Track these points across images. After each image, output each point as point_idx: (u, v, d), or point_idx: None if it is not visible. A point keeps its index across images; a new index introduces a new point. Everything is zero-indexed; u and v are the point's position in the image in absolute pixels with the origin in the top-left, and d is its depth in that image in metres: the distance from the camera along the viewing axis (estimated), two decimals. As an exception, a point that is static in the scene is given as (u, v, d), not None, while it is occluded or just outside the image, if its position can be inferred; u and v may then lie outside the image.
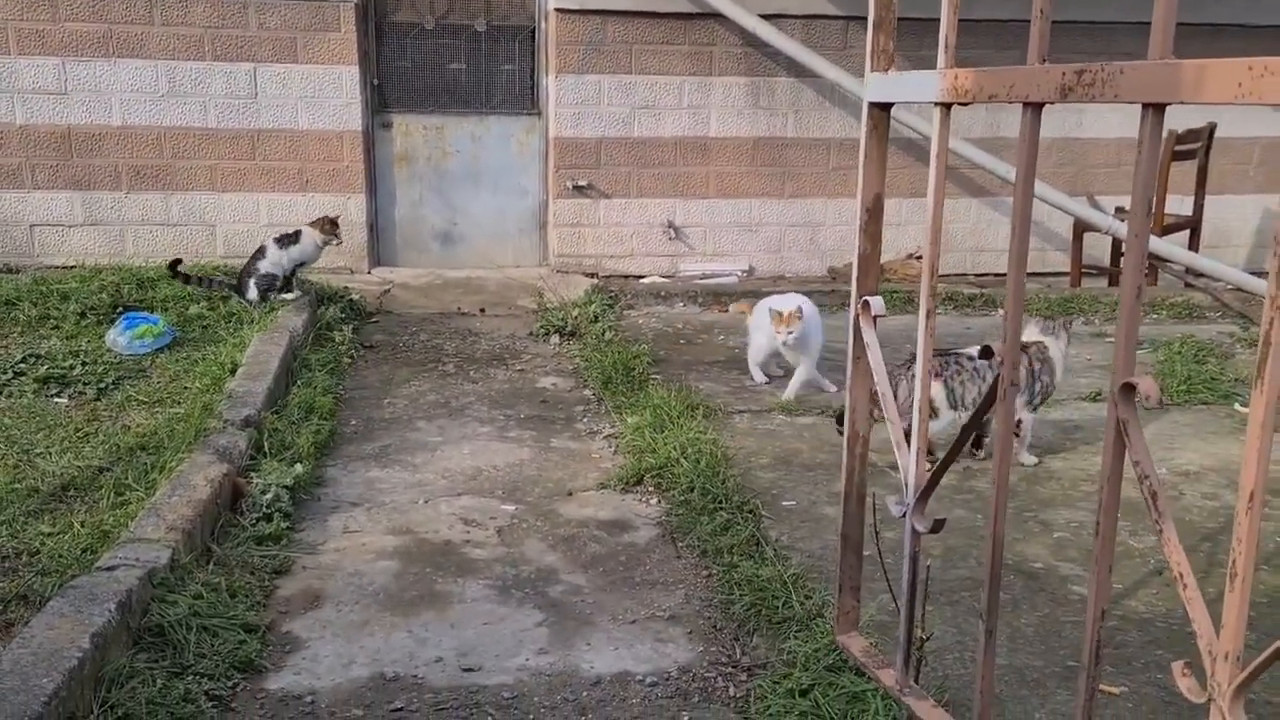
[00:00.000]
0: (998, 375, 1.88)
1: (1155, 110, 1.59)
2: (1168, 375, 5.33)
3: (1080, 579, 3.26)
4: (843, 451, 2.48)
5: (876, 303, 2.22)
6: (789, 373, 5.15)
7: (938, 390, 3.96)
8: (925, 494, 2.10)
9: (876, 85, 2.31)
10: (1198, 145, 7.43)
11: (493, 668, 2.80)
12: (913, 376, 3.76)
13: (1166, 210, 7.37)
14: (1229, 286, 7.25)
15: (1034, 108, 1.86)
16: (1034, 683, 2.69)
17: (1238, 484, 1.45)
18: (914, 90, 2.18)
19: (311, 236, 6.16)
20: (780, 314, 4.90)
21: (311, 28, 7.00)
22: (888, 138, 2.39)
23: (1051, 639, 2.91)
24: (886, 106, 2.36)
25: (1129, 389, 1.56)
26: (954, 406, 3.98)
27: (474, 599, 3.17)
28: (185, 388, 4.67)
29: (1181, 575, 1.50)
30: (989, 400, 1.91)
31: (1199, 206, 7.64)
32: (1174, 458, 4.28)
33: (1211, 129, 7.49)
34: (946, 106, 2.09)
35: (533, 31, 7.50)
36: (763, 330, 5.10)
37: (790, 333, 4.85)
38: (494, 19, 7.46)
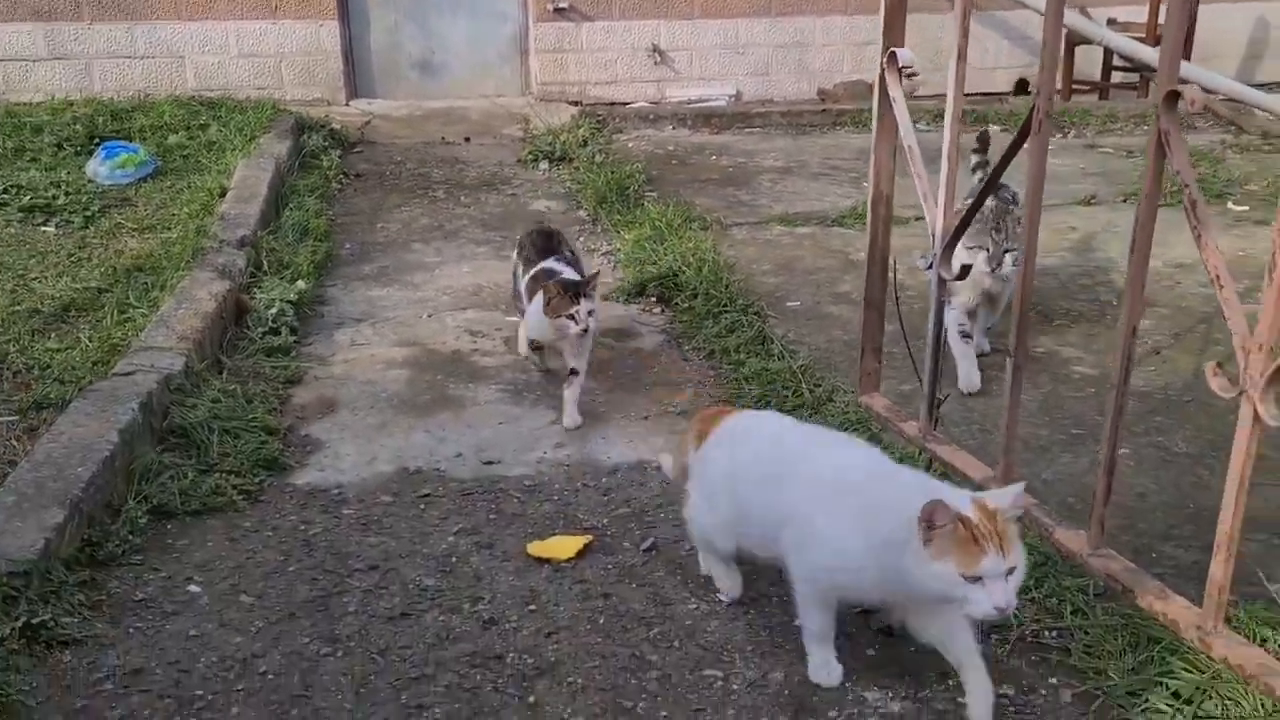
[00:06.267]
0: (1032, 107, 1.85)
1: None
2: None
3: (1081, 360, 3.34)
4: (867, 213, 2.46)
5: (904, 54, 2.15)
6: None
7: None
8: (952, 243, 2.11)
9: None
10: (1194, -50, 7.23)
11: (512, 461, 2.86)
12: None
13: (1158, 20, 7.21)
14: (1221, 97, 7.16)
15: None
16: (1039, 449, 2.78)
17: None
18: None
19: None
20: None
21: None
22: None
23: (1055, 411, 3.00)
24: None
25: (1173, 97, 1.56)
26: None
27: (487, 401, 3.21)
28: (174, 214, 4.58)
29: (1219, 278, 1.54)
30: (1020, 138, 1.89)
31: (1191, 16, 7.47)
32: (1168, 252, 4.31)
33: (1208, -68, 7.26)
34: None
35: None
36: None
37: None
38: None
